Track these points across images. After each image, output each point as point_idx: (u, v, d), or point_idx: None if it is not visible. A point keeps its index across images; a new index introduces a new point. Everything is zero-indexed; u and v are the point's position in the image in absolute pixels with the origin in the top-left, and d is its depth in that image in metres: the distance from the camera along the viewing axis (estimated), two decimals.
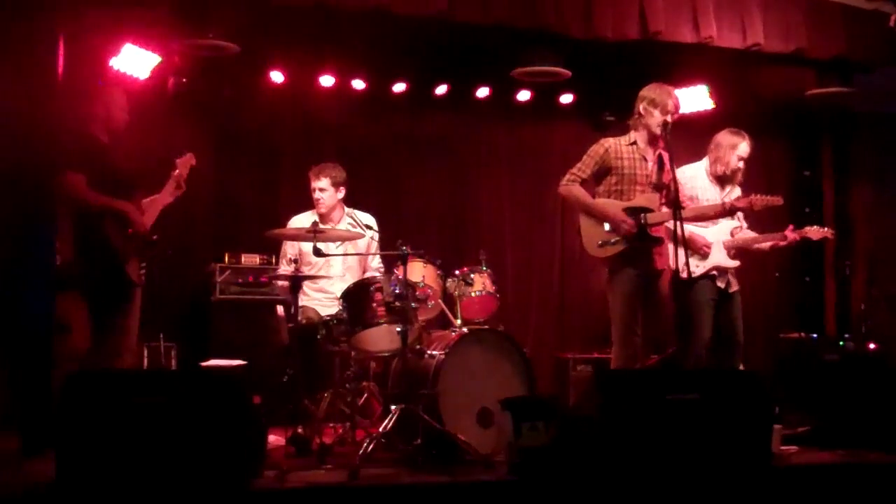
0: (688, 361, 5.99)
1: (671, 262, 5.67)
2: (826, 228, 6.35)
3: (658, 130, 5.62)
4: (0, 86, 5.33)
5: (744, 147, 6.12)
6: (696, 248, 6.04)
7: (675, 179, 5.55)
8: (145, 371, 6.22)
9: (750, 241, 6.16)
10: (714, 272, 6.03)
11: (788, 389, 6.21)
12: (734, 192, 6.15)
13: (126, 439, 3.99)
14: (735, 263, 6.07)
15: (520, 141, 8.60)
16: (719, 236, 6.09)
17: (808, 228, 6.29)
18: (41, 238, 5.45)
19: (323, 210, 6.19)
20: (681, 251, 5.51)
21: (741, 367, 6.06)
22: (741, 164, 6.13)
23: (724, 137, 6.17)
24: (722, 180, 6.16)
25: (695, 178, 6.16)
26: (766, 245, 6.20)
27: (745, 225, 6.29)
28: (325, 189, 6.18)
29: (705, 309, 5.98)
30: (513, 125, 8.55)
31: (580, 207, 5.75)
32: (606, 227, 5.61)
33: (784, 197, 6.19)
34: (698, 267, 6.03)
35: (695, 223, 6.04)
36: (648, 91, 5.72)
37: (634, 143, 5.70)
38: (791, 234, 6.17)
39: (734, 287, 6.10)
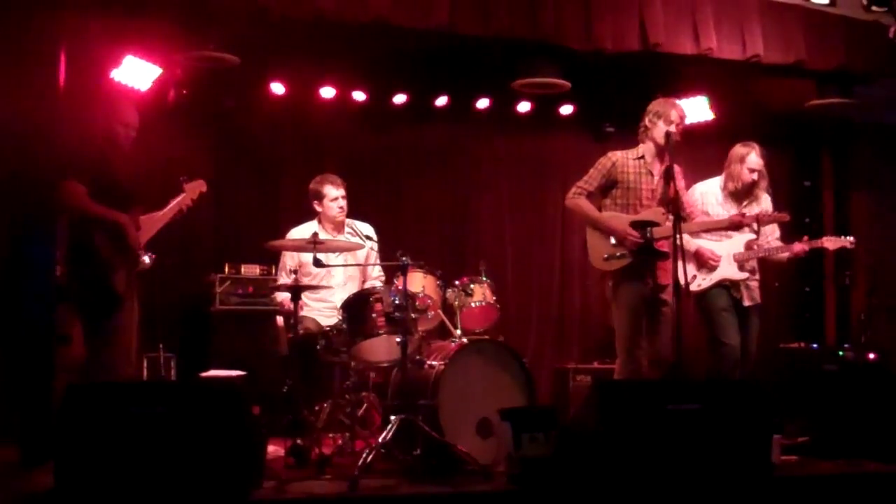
0: (722, 370, 5.99)
1: (680, 276, 5.62)
2: (846, 238, 6.27)
3: (663, 141, 5.62)
4: (1, 95, 5.35)
5: (753, 158, 6.11)
6: (703, 261, 6.06)
7: (678, 193, 5.55)
8: (145, 382, 6.22)
9: (772, 252, 6.15)
10: (726, 283, 6.03)
11: (788, 399, 6.20)
12: (755, 207, 6.14)
13: (125, 450, 3.99)
14: (743, 276, 6.06)
15: (520, 152, 8.62)
16: (730, 249, 6.10)
17: (825, 238, 6.25)
18: (41, 247, 5.45)
19: (342, 217, 6.22)
20: (683, 263, 5.48)
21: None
22: (755, 177, 6.11)
23: (734, 151, 6.19)
24: (737, 195, 6.16)
25: (706, 195, 6.19)
26: (784, 256, 6.19)
27: (777, 234, 6.26)
28: (345, 197, 6.23)
29: (724, 315, 6.01)
30: (513, 136, 8.56)
31: (586, 221, 5.75)
32: (612, 240, 5.61)
33: (784, 208, 6.20)
34: (705, 280, 6.05)
35: (705, 237, 6.06)
36: (653, 104, 5.79)
37: (642, 157, 5.71)
38: (798, 246, 6.15)
39: (748, 301, 6.10)
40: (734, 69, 7.22)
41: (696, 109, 7.95)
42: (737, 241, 6.11)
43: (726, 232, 6.12)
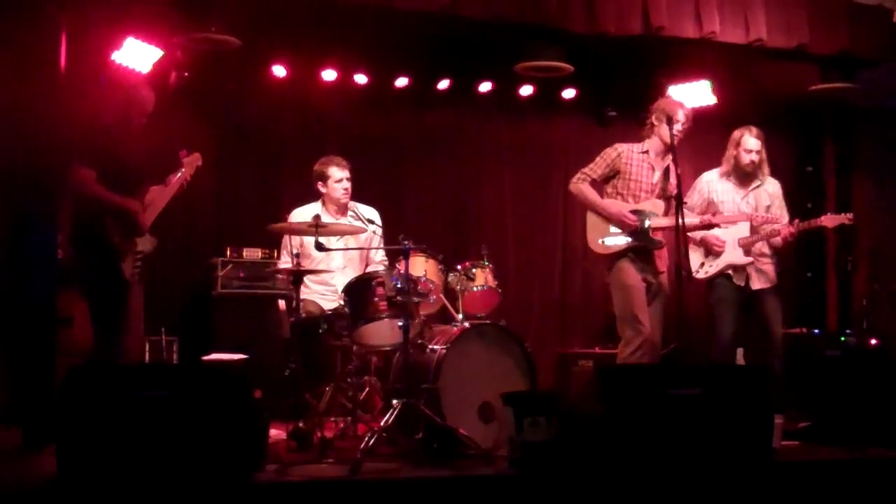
0: (714, 359, 6.15)
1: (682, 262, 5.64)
2: (844, 214, 6.27)
3: (668, 140, 5.68)
4: (2, 79, 5.33)
5: (748, 140, 6.17)
6: (708, 247, 6.13)
7: (679, 191, 5.58)
8: (147, 365, 6.22)
9: (767, 235, 6.19)
10: (729, 270, 6.09)
11: (790, 385, 6.21)
12: (762, 191, 6.21)
13: (127, 433, 3.99)
14: (747, 260, 6.12)
15: (522, 136, 8.60)
16: (734, 234, 6.15)
17: (823, 217, 6.27)
18: (43, 232, 5.45)
19: (346, 200, 6.21)
20: (686, 252, 5.52)
21: (780, 363, 6.14)
22: (753, 157, 6.16)
23: (731, 136, 6.29)
24: (741, 179, 6.23)
25: (711, 183, 6.29)
26: (777, 241, 6.23)
27: (784, 220, 6.28)
28: (350, 178, 6.24)
29: (722, 307, 6.14)
30: (515, 120, 8.55)
31: (588, 205, 5.90)
32: (611, 227, 5.68)
33: (786, 192, 6.21)
34: (712, 266, 6.11)
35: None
36: (660, 103, 5.95)
37: (646, 151, 5.85)
38: (786, 230, 6.16)
39: (757, 284, 6.17)
40: (737, 53, 7.21)
41: (699, 94, 7.92)
42: (742, 227, 6.14)
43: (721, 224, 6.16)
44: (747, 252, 6.12)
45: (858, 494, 4.75)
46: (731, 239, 6.12)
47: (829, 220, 6.25)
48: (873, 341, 7.57)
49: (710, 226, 5.94)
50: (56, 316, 5.59)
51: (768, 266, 6.20)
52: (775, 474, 4.58)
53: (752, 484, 4.46)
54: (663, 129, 5.77)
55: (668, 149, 5.74)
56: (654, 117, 5.87)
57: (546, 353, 8.14)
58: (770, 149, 6.28)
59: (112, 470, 3.95)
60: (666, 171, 5.80)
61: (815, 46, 7.13)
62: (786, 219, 6.30)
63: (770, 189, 6.26)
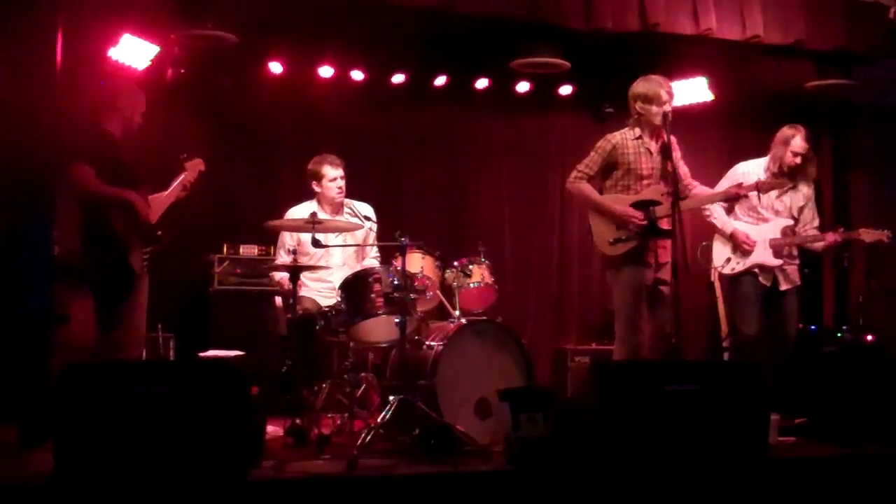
0: (733, 356, 6.07)
1: (684, 257, 5.62)
2: (883, 231, 6.23)
3: (660, 122, 5.60)
4: None
5: (797, 141, 6.06)
6: (737, 244, 6.07)
7: (675, 168, 5.54)
8: (144, 362, 6.21)
9: (807, 240, 6.17)
10: (755, 269, 6.05)
11: (787, 381, 6.21)
12: (800, 190, 6.16)
13: (124, 430, 3.99)
14: (777, 262, 6.06)
15: (519, 132, 8.59)
16: (766, 234, 6.09)
17: (862, 230, 6.24)
18: (39, 229, 5.45)
19: (341, 198, 6.21)
20: (683, 241, 5.47)
21: (785, 362, 6.11)
22: (798, 160, 6.07)
23: (780, 133, 6.15)
24: (780, 177, 6.11)
25: (747, 175, 6.11)
26: (819, 245, 6.22)
27: (815, 223, 6.27)
28: (344, 177, 6.22)
29: (748, 304, 6.07)
30: (512, 116, 8.54)
31: (589, 205, 5.75)
32: (617, 224, 5.61)
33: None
34: (739, 263, 6.06)
35: (744, 220, 6.14)
36: (638, 87, 5.69)
37: (640, 137, 5.68)
38: (832, 237, 6.16)
39: (784, 285, 6.11)
40: (734, 49, 7.20)
41: (696, 90, 7.92)
42: (774, 226, 6.09)
43: (764, 216, 6.13)
44: (777, 254, 6.05)
45: (855, 491, 4.76)
46: (761, 239, 6.05)
47: (867, 235, 6.21)
48: (870, 338, 7.57)
49: (735, 197, 5.80)
50: (53, 312, 5.59)
51: (793, 268, 6.16)
52: (771, 471, 4.59)
53: (749, 480, 4.46)
54: (651, 115, 5.65)
55: (660, 129, 5.65)
56: (638, 106, 5.65)
57: (542, 349, 8.13)
58: (767, 145, 6.25)
59: (109, 467, 3.95)
60: (661, 149, 5.68)
61: (812, 43, 7.12)
62: (817, 222, 6.27)
63: (804, 190, 6.19)
